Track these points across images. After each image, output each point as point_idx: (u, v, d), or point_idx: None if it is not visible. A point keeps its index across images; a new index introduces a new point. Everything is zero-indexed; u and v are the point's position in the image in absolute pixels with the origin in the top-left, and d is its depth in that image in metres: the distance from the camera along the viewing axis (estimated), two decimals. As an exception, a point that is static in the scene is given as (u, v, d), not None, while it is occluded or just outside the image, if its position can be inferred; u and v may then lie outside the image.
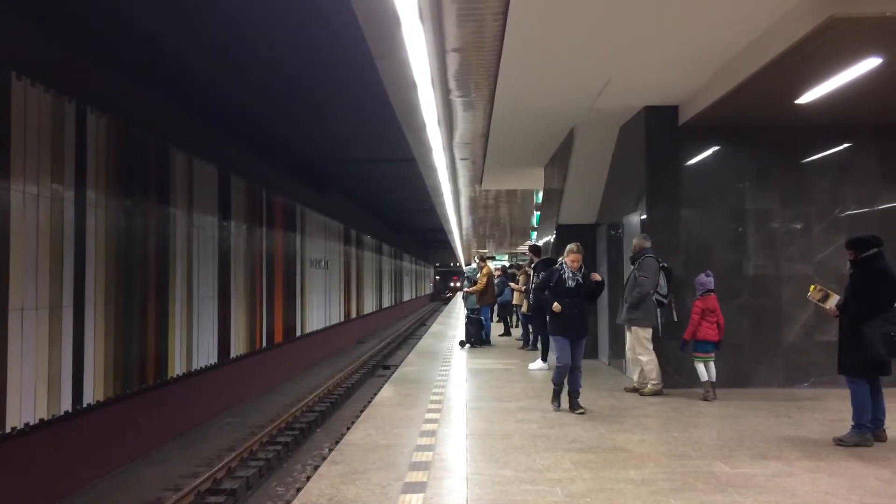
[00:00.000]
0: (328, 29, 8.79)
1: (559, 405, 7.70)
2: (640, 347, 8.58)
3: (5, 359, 7.85)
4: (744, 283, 9.13)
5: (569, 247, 7.87)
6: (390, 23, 5.93)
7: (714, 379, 8.25)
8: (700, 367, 8.24)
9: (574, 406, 7.53)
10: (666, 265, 8.68)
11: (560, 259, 8.04)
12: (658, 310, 8.61)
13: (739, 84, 7.28)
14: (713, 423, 7.00)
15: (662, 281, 8.59)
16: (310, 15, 8.51)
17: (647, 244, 8.77)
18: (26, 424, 8.18)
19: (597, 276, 7.86)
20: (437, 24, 6.59)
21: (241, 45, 9.89)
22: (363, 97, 11.66)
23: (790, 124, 8.86)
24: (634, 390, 8.68)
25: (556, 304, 7.66)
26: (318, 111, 13.58)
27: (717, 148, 9.24)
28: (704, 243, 9.20)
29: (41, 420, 8.46)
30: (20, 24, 8.45)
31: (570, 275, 7.71)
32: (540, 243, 15.03)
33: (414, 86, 7.72)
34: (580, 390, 7.62)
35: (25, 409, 8.18)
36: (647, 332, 8.56)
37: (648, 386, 8.54)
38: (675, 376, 8.84)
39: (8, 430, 7.84)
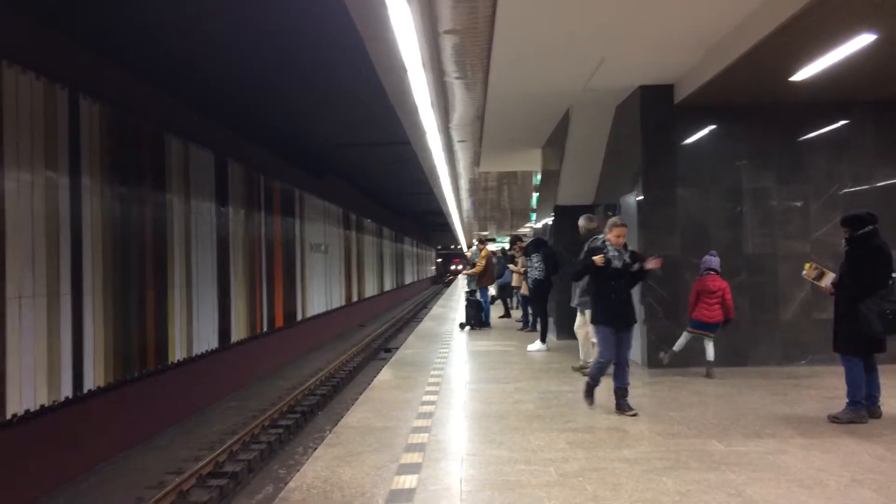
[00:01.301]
0: (316, 11, 8.72)
1: (593, 401, 6.81)
2: (593, 329, 8.62)
3: (4, 346, 7.89)
4: (741, 261, 9.13)
5: (611, 220, 6.84)
6: (377, 5, 5.88)
7: (712, 358, 8.29)
8: (706, 345, 8.31)
9: (622, 407, 6.56)
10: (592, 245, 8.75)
11: (601, 236, 6.92)
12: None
13: (733, 62, 7.24)
14: (709, 402, 7.02)
15: None
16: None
17: (594, 225, 8.80)
18: (27, 411, 8.22)
19: (652, 263, 6.67)
20: (427, 6, 6.54)
21: (233, 32, 9.86)
22: (355, 80, 11.61)
23: (785, 102, 8.82)
24: (581, 369, 8.75)
25: (598, 256, 6.59)
26: (312, 96, 13.54)
27: (713, 127, 9.20)
28: (701, 223, 9.19)
29: (42, 406, 8.51)
30: (10, 10, 8.40)
31: (616, 253, 6.64)
32: (523, 231, 15.07)
33: (405, 68, 7.67)
34: (628, 388, 6.67)
35: (26, 396, 8.23)
36: None
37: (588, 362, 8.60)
38: (674, 356, 8.85)
39: (8, 416, 7.89)
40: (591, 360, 8.53)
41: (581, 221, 8.97)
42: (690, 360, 8.64)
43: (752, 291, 9.10)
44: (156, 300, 11.58)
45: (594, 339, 8.56)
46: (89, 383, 9.56)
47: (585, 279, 8.39)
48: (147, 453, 10.24)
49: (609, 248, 6.66)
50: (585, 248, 8.65)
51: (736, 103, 8.88)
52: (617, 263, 6.61)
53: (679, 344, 8.48)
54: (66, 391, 9.04)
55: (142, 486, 8.67)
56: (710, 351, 8.31)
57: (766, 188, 9.18)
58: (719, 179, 9.21)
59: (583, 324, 8.80)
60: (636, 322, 6.90)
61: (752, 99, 8.72)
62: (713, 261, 8.36)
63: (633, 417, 6.35)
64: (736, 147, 9.21)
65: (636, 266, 6.65)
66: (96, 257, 9.82)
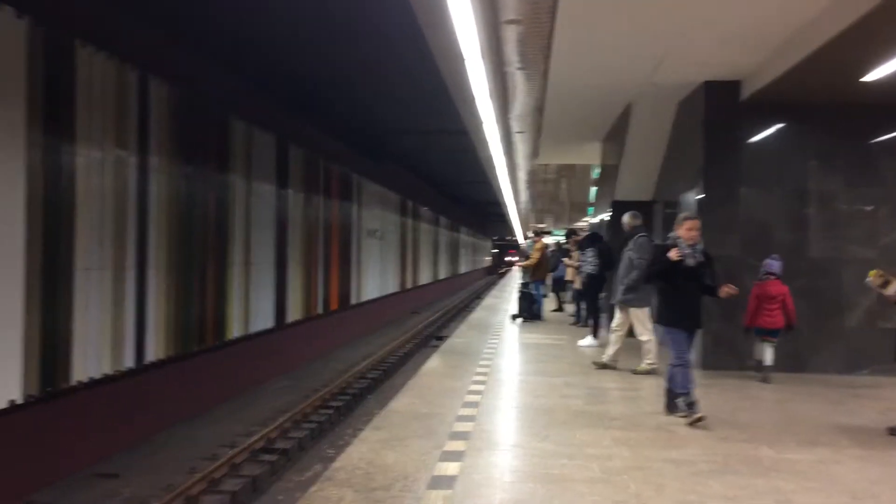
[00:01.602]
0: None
1: (695, 410, 6.03)
2: (640, 328, 8.59)
3: (71, 316, 8.22)
4: (804, 265, 8.86)
5: (682, 215, 6.48)
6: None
7: (770, 363, 8.07)
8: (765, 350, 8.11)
9: (674, 408, 6.23)
10: (659, 243, 8.70)
11: (671, 234, 6.47)
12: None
13: (803, 59, 7.02)
14: (763, 407, 6.88)
15: None
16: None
17: (639, 222, 8.82)
18: (90, 378, 8.56)
19: (725, 292, 6.31)
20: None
21: (295, 18, 9.99)
22: (414, 67, 11.65)
23: (857, 102, 8.47)
24: (604, 366, 8.68)
25: (674, 250, 6.14)
26: (373, 82, 13.65)
27: (779, 125, 8.95)
28: (763, 224, 8.95)
29: (104, 375, 8.84)
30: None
31: (689, 250, 6.18)
32: (579, 225, 15.00)
33: (463, 57, 7.67)
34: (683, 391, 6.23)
35: (90, 364, 8.57)
36: (644, 313, 8.58)
37: (643, 364, 8.51)
38: (727, 358, 8.70)
39: (73, 382, 8.24)
40: (645, 360, 8.48)
41: (625, 218, 8.92)
42: (747, 364, 8.46)
43: (814, 297, 8.82)
44: (216, 278, 11.89)
45: (644, 339, 8.50)
46: (150, 355, 9.89)
47: (632, 275, 8.38)
48: (203, 426, 10.54)
49: (682, 244, 6.21)
50: (630, 246, 8.61)
51: (805, 102, 8.59)
52: (690, 262, 6.17)
53: (767, 357, 8.10)
54: (129, 362, 9.38)
55: (197, 457, 8.94)
56: (768, 355, 8.11)
57: (833, 190, 8.89)
58: (784, 180, 8.96)
59: (623, 323, 8.70)
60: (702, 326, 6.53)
61: (821, 98, 8.43)
62: (774, 265, 8.13)
63: (683, 419, 6.26)
64: (803, 147, 8.94)
65: (705, 274, 6.30)
66: (161, 234, 10.14)
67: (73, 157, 8.25)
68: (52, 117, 7.90)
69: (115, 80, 9.05)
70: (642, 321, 8.57)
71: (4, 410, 7.21)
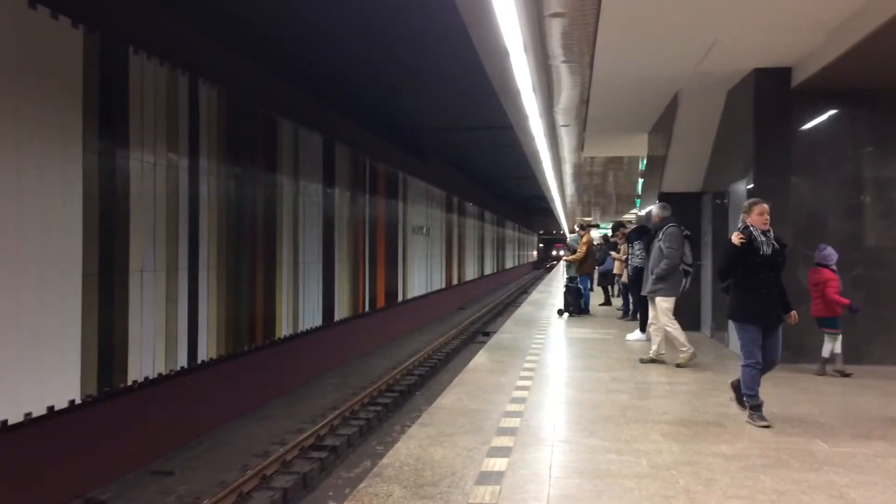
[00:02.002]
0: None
1: (765, 419, 5.71)
2: (664, 317, 8.52)
3: (127, 317, 8.46)
4: (860, 255, 8.63)
5: (750, 201, 6.04)
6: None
7: (827, 355, 7.89)
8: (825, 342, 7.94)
9: (755, 414, 5.78)
10: (689, 233, 8.77)
11: (740, 224, 6.01)
12: (684, 280, 8.68)
13: (856, 44, 6.83)
14: (817, 400, 6.71)
15: (687, 250, 8.66)
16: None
17: (668, 213, 8.92)
18: (146, 378, 8.80)
19: (791, 320, 5.99)
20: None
21: (339, 19, 10.11)
22: (458, 65, 11.69)
23: (912, 86, 8.24)
24: (652, 361, 8.65)
25: (735, 234, 5.84)
26: (417, 80, 13.71)
27: (833, 112, 8.71)
28: (816, 213, 8.74)
29: (160, 374, 9.08)
30: (139, 2, 8.93)
31: (763, 238, 5.78)
32: (627, 217, 14.86)
33: (507, 53, 7.66)
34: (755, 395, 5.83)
35: (146, 364, 8.81)
36: (669, 303, 8.55)
37: (681, 355, 8.44)
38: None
39: (129, 382, 8.48)
40: (679, 351, 8.39)
41: (654, 209, 8.91)
42: (800, 356, 8.27)
43: (871, 286, 8.59)
44: (265, 278, 12.09)
45: (670, 329, 8.40)
46: (203, 355, 10.12)
47: (663, 265, 8.33)
48: (254, 424, 10.75)
49: (754, 232, 5.80)
50: (660, 237, 8.55)
51: (859, 88, 8.36)
52: (766, 250, 5.74)
53: (824, 349, 7.92)
54: (182, 361, 9.61)
55: (248, 454, 9.12)
56: (826, 347, 7.91)
57: (890, 178, 8.64)
58: (838, 168, 8.73)
59: (658, 315, 8.65)
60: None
61: (876, 84, 8.19)
62: (816, 254, 7.96)
63: (734, 413, 6.14)
64: (858, 134, 8.69)
65: (783, 263, 5.90)
66: (211, 235, 10.35)
67: (126, 161, 8.46)
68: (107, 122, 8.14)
69: (167, 85, 9.26)
70: (665, 310, 8.54)
71: (65, 409, 7.46)
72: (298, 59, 12.17)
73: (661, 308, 8.57)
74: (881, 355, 8.48)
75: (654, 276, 8.64)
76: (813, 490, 4.27)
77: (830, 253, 7.88)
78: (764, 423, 5.68)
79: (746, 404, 5.89)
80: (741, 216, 6.03)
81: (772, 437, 5.43)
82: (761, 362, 5.80)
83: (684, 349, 8.42)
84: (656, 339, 8.74)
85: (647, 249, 10.81)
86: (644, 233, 11.27)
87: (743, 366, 5.88)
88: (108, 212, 8.11)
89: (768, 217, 5.86)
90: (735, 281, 5.94)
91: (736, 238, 5.82)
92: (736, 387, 6.14)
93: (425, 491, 4.24)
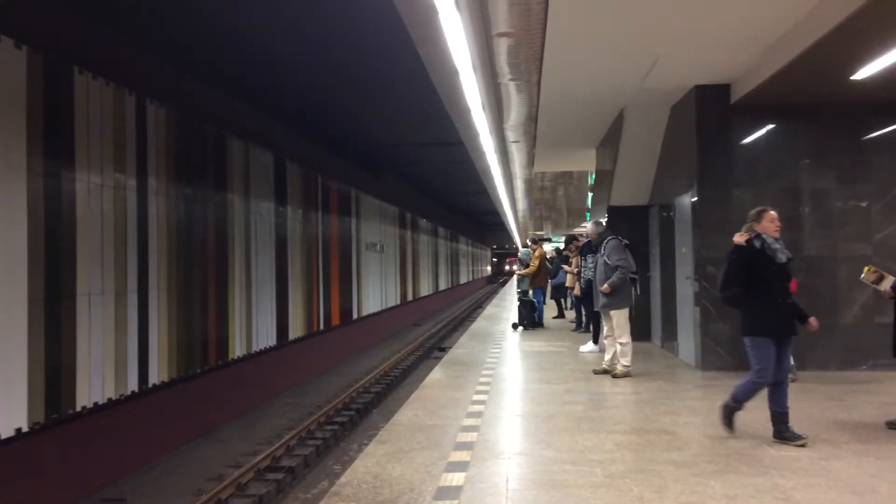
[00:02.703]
0: (369, 18, 8.90)
1: (733, 428, 5.69)
2: (619, 330, 8.67)
3: (75, 342, 8.27)
4: (799, 263, 8.89)
5: (757, 208, 5.75)
6: (428, 10, 6.00)
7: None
8: None
9: (786, 435, 5.46)
10: (627, 242, 8.98)
11: (751, 233, 5.68)
12: (633, 288, 8.91)
13: (791, 61, 7.11)
14: (763, 406, 6.89)
15: (630, 258, 8.84)
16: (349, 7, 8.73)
17: (602, 228, 9.28)
18: (95, 403, 8.61)
19: (814, 325, 5.70)
20: (478, 10, 6.62)
21: (287, 39, 10.13)
22: (408, 83, 11.79)
23: (847, 101, 8.59)
24: (605, 372, 8.79)
25: (737, 235, 5.64)
26: (367, 98, 13.77)
27: (770, 126, 9.04)
28: (758, 224, 9.02)
29: (109, 399, 8.89)
30: (77, 17, 8.80)
31: (779, 246, 5.55)
32: (581, 230, 15.11)
33: (456, 71, 7.77)
34: (788, 411, 5.57)
35: (94, 390, 8.62)
36: (625, 315, 8.71)
37: (619, 368, 8.63)
38: (728, 358, 8.75)
39: (78, 408, 8.28)
40: (621, 362, 8.57)
41: (590, 227, 9.23)
42: (747, 363, 8.48)
43: (811, 294, 8.83)
44: (217, 298, 11.95)
45: (623, 341, 8.57)
46: (154, 378, 9.93)
47: (617, 277, 8.47)
48: (208, 446, 10.58)
49: (767, 239, 5.53)
50: (602, 252, 8.74)
51: (795, 102, 8.70)
52: (782, 257, 5.49)
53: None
54: (133, 385, 9.42)
55: (202, 478, 8.97)
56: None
57: (826, 189, 8.98)
58: (777, 179, 9.04)
59: (611, 330, 8.80)
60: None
61: (811, 98, 8.53)
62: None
63: (685, 421, 6.30)
64: (795, 147, 9.03)
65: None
66: (161, 256, 10.20)
67: (72, 182, 8.31)
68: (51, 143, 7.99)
69: (113, 104, 9.13)
70: (621, 324, 8.68)
71: (12, 438, 7.26)
72: (247, 78, 12.12)
73: (618, 322, 8.68)
74: (823, 361, 8.77)
75: (604, 290, 8.73)
76: (760, 494, 4.40)
77: None
78: (730, 429, 5.68)
79: (775, 424, 5.56)
80: (746, 226, 5.75)
81: (720, 443, 5.59)
82: (772, 380, 5.51)
83: (626, 364, 8.61)
84: (610, 350, 8.89)
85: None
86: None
87: (752, 382, 5.55)
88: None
89: (778, 224, 5.64)
90: (750, 294, 5.55)
91: (739, 237, 5.62)
92: (726, 407, 5.77)
93: (384, 508, 4.26)
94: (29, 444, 7.48)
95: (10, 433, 7.22)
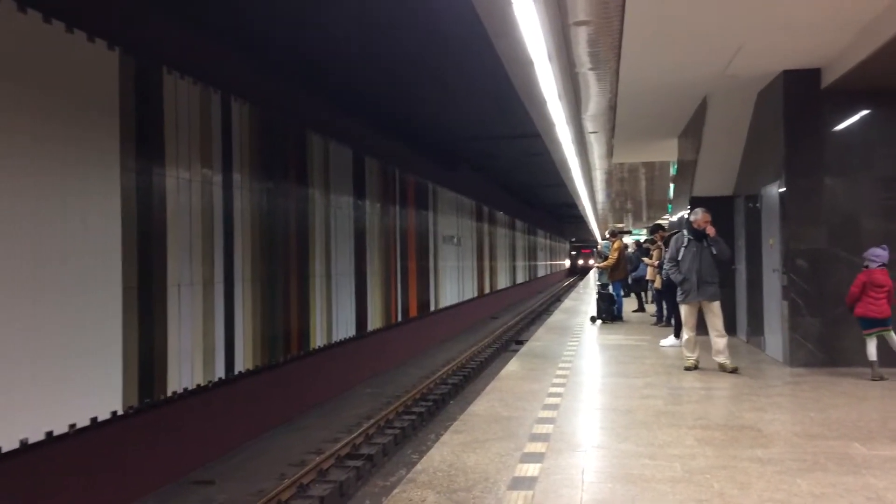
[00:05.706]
0: (445, 11, 8.92)
1: None
2: (719, 322, 8.41)
3: (166, 328, 8.65)
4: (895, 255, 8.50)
5: None
6: (503, 3, 5.97)
7: (874, 357, 7.70)
8: (868, 345, 7.75)
9: None
10: None
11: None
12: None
13: (887, 42, 6.77)
14: (855, 404, 6.62)
15: None
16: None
17: (710, 217, 8.77)
18: (185, 389, 8.98)
19: None
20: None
21: (365, 34, 10.27)
22: (484, 75, 11.77)
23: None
24: (721, 368, 8.42)
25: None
26: (444, 91, 13.81)
27: (864, 112, 8.62)
28: (849, 214, 8.64)
29: (198, 385, 9.25)
30: (171, 22, 9.16)
31: None
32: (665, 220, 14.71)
33: (532, 62, 7.71)
34: None
35: (185, 375, 8.99)
36: (718, 307, 8.54)
37: (728, 361, 8.36)
38: (818, 354, 8.41)
39: (169, 394, 8.66)
40: (726, 354, 8.30)
41: (700, 214, 8.72)
42: (838, 359, 8.16)
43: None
44: (299, 289, 12.25)
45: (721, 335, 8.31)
46: (239, 366, 10.28)
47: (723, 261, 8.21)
48: (290, 433, 10.88)
49: None
50: (707, 242, 8.44)
51: (890, 87, 8.26)
52: None
53: (872, 351, 7.74)
54: (220, 373, 9.77)
55: (285, 464, 9.24)
56: (871, 349, 7.73)
57: (926, 176, 8.50)
58: (871, 168, 8.62)
59: (714, 323, 8.49)
60: None
61: (908, 81, 8.09)
62: (886, 255, 7.82)
63: (771, 417, 6.09)
64: (891, 133, 8.58)
65: None
66: (245, 248, 10.53)
67: (163, 177, 8.67)
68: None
69: (199, 103, 9.47)
70: (720, 315, 8.45)
71: (108, 420, 7.65)
72: (328, 75, 12.36)
73: (719, 313, 8.45)
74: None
75: (712, 281, 8.45)
76: (850, 493, 4.23)
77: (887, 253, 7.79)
78: None
79: None
80: None
81: (809, 440, 5.39)
82: None
83: (723, 357, 8.36)
84: (719, 343, 8.45)
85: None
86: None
87: None
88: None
89: None
90: None
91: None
92: None
93: (458, 496, 4.29)
94: (126, 426, 7.87)
95: (107, 416, 7.61)
